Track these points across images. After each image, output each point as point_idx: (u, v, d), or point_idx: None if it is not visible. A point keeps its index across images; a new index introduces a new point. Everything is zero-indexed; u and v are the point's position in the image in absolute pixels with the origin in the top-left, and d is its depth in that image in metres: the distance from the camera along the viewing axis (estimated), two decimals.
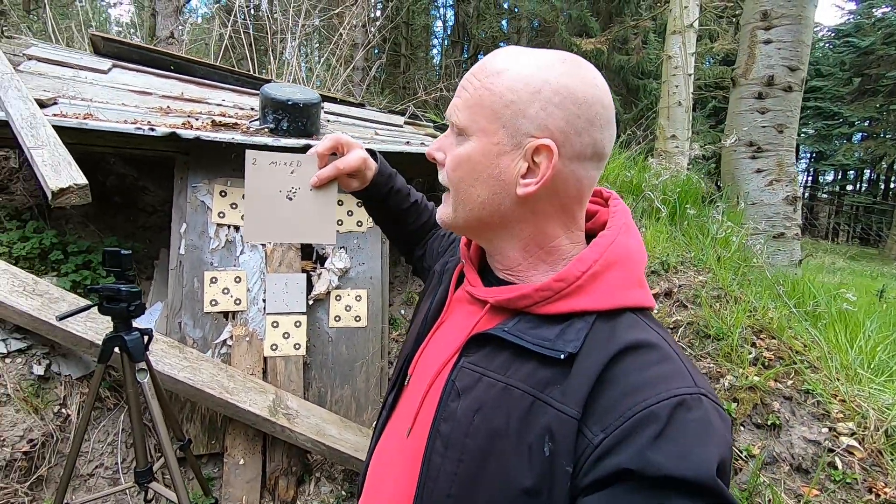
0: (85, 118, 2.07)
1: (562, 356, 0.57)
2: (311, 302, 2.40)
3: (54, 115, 2.04)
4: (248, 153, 0.86)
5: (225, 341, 2.27)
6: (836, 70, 17.67)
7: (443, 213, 0.71)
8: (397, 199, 1.01)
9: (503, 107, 0.61)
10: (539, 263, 0.67)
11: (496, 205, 0.64)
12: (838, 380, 1.74)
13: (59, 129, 1.87)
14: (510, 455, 0.57)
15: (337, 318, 2.45)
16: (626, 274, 0.62)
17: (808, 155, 22.98)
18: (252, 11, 6.23)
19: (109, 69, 2.78)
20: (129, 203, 2.85)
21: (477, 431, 0.60)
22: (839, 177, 24.08)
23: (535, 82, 0.60)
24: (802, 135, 18.60)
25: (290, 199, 0.86)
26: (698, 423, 0.52)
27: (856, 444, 1.55)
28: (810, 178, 24.27)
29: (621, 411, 0.52)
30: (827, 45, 18.81)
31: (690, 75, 4.99)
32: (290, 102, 2.44)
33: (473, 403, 0.61)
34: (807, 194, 22.57)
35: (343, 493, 2.32)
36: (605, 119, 0.61)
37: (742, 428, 1.63)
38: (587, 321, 0.59)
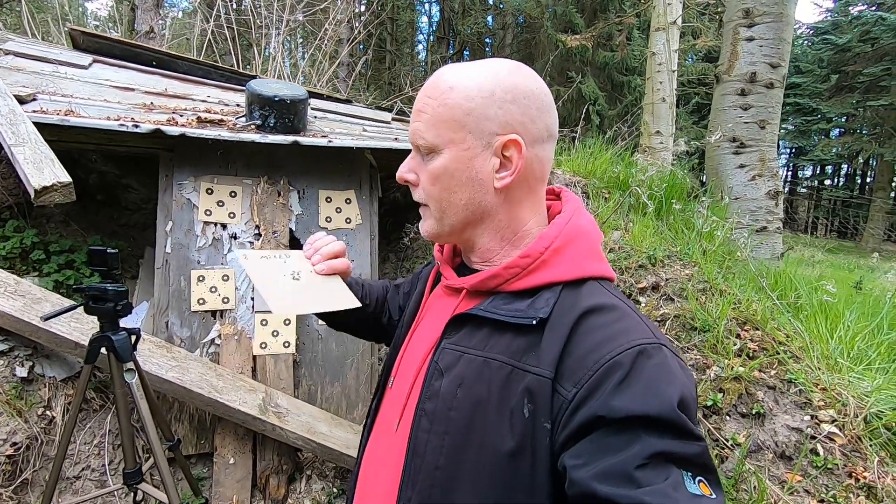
0: (66, 115, 2.03)
1: (533, 322, 0.62)
2: None
3: (34, 111, 1.99)
4: (238, 252, 0.97)
5: (213, 340, 2.25)
6: (814, 67, 17.98)
7: (428, 227, 0.75)
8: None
9: (464, 115, 0.66)
10: (513, 248, 0.73)
11: (477, 202, 0.70)
12: (819, 369, 1.79)
13: (40, 126, 1.83)
14: (492, 422, 0.61)
15: None
16: (586, 247, 0.70)
17: (788, 150, 23.40)
18: (234, 6, 6.14)
19: (90, 64, 2.72)
20: (112, 201, 2.80)
21: (461, 404, 0.64)
22: (818, 171, 24.59)
23: (488, 87, 0.66)
24: (783, 130, 18.91)
25: (296, 279, 0.91)
26: (658, 367, 0.57)
27: (836, 430, 1.60)
28: (790, 173, 24.74)
29: (589, 365, 0.58)
30: (806, 42, 19.12)
31: (674, 72, 5.04)
32: (276, 99, 2.41)
33: (456, 379, 0.65)
34: (787, 189, 22.98)
35: (334, 490, 2.32)
36: (549, 104, 0.70)
37: (728, 417, 1.67)
38: (554, 291, 0.65)
